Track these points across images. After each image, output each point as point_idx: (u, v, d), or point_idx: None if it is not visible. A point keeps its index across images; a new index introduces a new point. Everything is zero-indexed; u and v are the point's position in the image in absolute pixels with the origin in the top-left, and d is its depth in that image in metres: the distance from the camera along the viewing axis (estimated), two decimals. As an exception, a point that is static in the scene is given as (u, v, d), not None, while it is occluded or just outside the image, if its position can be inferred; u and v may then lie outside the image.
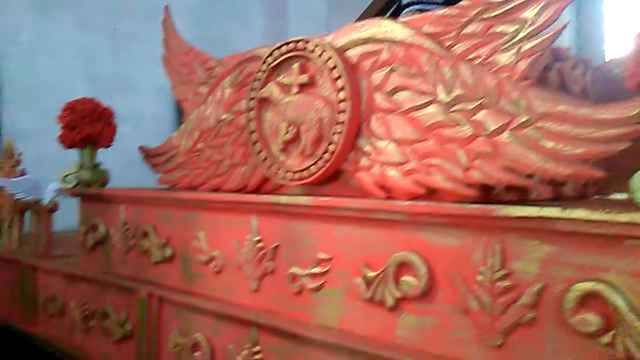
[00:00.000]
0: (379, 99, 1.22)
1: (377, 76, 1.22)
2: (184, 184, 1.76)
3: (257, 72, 1.48)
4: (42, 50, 4.32)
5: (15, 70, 4.18)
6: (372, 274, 1.15)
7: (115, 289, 1.79)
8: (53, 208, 2.29)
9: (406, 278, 1.10)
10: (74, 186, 2.02)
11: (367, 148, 1.24)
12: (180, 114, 5.27)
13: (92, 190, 1.98)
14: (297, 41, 1.38)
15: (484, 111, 1.05)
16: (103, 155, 2.17)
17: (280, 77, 1.43)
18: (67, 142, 2.04)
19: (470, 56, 1.10)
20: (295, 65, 1.39)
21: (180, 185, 1.77)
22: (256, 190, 1.51)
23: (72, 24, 4.50)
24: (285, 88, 1.42)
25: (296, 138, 1.38)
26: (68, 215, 2.36)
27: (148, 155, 1.93)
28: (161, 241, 1.66)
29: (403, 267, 1.11)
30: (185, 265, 1.60)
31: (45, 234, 2.30)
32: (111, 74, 4.65)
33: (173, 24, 2.02)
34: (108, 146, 2.11)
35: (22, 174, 2.48)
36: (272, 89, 1.45)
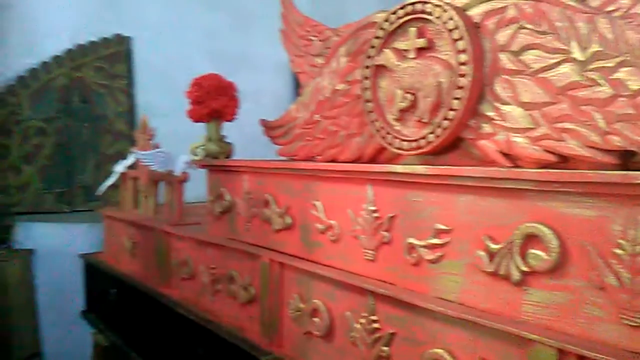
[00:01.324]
0: (505, 59, 1.14)
1: (503, 35, 1.14)
2: (302, 155, 1.79)
3: (373, 39, 1.45)
4: (170, 32, 4.59)
5: (147, 52, 4.48)
6: (495, 246, 1.09)
7: (240, 255, 1.88)
8: (184, 179, 2.46)
9: (534, 251, 1.03)
10: (202, 158, 2.15)
11: (491, 113, 1.17)
12: (297, 89, 5.37)
13: (218, 162, 2.09)
14: (415, 3, 1.32)
15: (625, 69, 0.93)
16: (226, 130, 2.28)
17: (397, 43, 1.38)
18: (195, 116, 2.16)
19: (609, 8, 0.99)
20: (413, 29, 1.33)
21: (298, 157, 1.80)
22: (372, 161, 1.49)
23: (198, 4, 4.73)
24: (402, 54, 1.37)
25: (413, 105, 1.34)
26: (198, 186, 2.53)
27: (268, 128, 1.99)
28: (281, 210, 1.72)
29: (531, 239, 1.03)
30: (304, 233, 1.64)
31: (177, 203, 2.48)
32: (233, 52, 4.83)
33: (289, -3, 2.04)
34: (231, 120, 2.21)
35: (156, 147, 2.67)
36: (387, 55, 1.41)
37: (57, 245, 3.71)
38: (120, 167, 2.98)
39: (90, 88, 4.21)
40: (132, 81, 4.38)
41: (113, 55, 4.30)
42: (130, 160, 2.94)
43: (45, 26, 4.07)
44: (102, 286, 2.91)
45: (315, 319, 1.52)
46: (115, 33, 4.31)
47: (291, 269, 1.63)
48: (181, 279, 2.28)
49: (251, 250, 1.81)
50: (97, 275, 3.02)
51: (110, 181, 3.02)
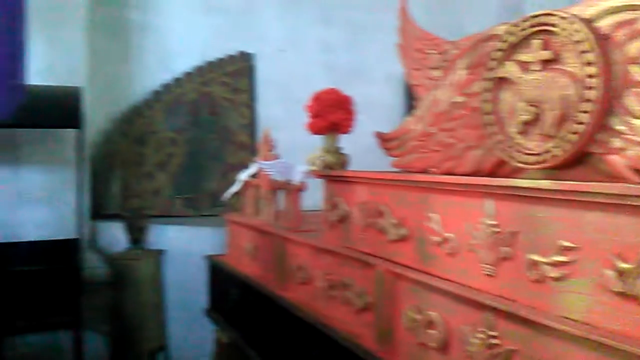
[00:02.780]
0: (636, 72, 1.09)
1: (634, 47, 1.09)
2: (417, 167, 1.82)
3: (494, 51, 1.44)
4: (289, 46, 4.82)
5: (267, 66, 4.74)
6: (625, 265, 1.04)
7: (355, 263, 1.94)
8: (301, 188, 2.57)
9: (671, 273, 0.97)
10: (319, 168, 2.25)
11: (621, 127, 1.12)
12: (409, 100, 5.37)
13: (334, 173, 2.17)
14: (539, 15, 1.31)
15: None
16: (341, 142, 2.36)
17: (520, 55, 1.37)
18: (314, 129, 2.27)
19: None
20: (537, 41, 1.32)
21: (413, 169, 1.82)
22: (491, 174, 1.48)
23: (315, 19, 4.92)
24: (525, 66, 1.36)
25: (536, 118, 1.32)
26: (314, 195, 2.64)
27: (383, 139, 2.03)
28: (396, 221, 1.75)
29: (667, 260, 0.98)
30: (419, 245, 1.66)
31: (294, 211, 2.60)
32: (347, 65, 4.95)
33: (408, 12, 2.08)
34: (348, 132, 2.29)
35: (276, 157, 2.82)
36: (510, 68, 1.40)
37: (185, 246, 4.02)
38: (243, 176, 3.18)
39: (217, 102, 4.53)
40: (254, 95, 4.65)
41: (237, 71, 4.60)
42: (252, 169, 3.13)
43: (178, 45, 4.46)
44: (225, 286, 3.12)
45: (431, 331, 1.53)
46: (239, 50, 4.61)
47: (406, 279, 1.66)
48: (298, 283, 2.38)
49: (366, 259, 1.86)
50: (220, 276, 3.24)
51: (235, 189, 3.23)
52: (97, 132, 4.17)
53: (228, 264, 3.19)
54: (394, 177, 1.79)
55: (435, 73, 1.93)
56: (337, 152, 2.27)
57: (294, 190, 2.60)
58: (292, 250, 2.46)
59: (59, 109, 3.39)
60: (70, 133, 3.93)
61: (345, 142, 2.39)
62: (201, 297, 3.76)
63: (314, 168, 2.29)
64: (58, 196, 3.88)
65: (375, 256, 1.85)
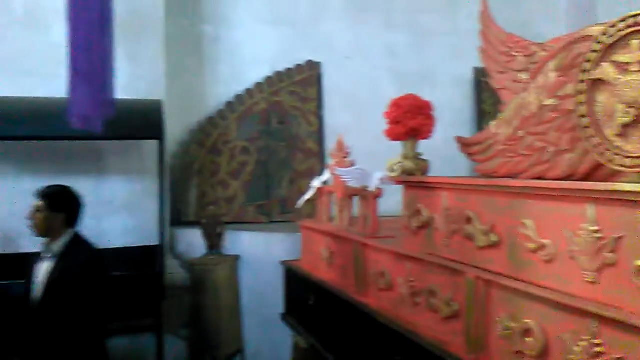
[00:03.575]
0: None
1: None
2: (503, 172, 1.79)
3: (589, 53, 1.41)
4: (355, 53, 4.85)
5: (334, 74, 4.80)
6: None
7: (440, 270, 1.93)
8: (378, 194, 2.58)
9: None
10: (399, 175, 2.25)
11: None
12: (479, 104, 5.27)
13: (415, 179, 2.17)
14: (637, 15, 1.27)
15: None
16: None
17: (617, 56, 1.33)
18: (393, 135, 2.28)
19: None
20: (636, 42, 1.28)
21: (499, 174, 1.80)
22: (585, 178, 1.44)
23: (379, 25, 4.94)
24: (623, 67, 1.32)
25: (637, 120, 1.28)
26: (389, 201, 2.65)
27: (464, 144, 2.01)
28: (486, 227, 1.73)
29: None
30: (511, 252, 1.63)
31: (371, 217, 2.61)
32: (414, 69, 4.94)
33: (491, 15, 2.06)
34: (427, 138, 2.29)
35: (352, 164, 2.85)
36: (606, 69, 1.36)
37: (258, 252, 4.11)
38: (316, 183, 3.23)
39: (286, 111, 4.62)
40: (321, 103, 4.72)
41: (305, 80, 4.68)
42: (325, 176, 3.17)
43: (249, 57, 4.59)
44: (301, 291, 3.17)
45: (528, 339, 1.50)
46: (307, 60, 4.69)
47: (499, 287, 1.64)
48: (378, 289, 2.39)
49: (453, 266, 1.85)
50: (296, 281, 3.29)
51: (308, 195, 3.28)
52: (175, 142, 4.35)
53: (303, 269, 3.23)
54: (483, 183, 1.77)
55: (522, 76, 1.89)
56: (416, 158, 2.27)
57: (371, 197, 2.61)
58: (371, 256, 2.47)
59: (141, 122, 3.55)
60: (150, 144, 4.12)
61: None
62: (275, 301, 3.83)
63: (392, 174, 2.29)
64: (140, 205, 4.06)
65: (462, 263, 1.84)
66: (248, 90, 4.57)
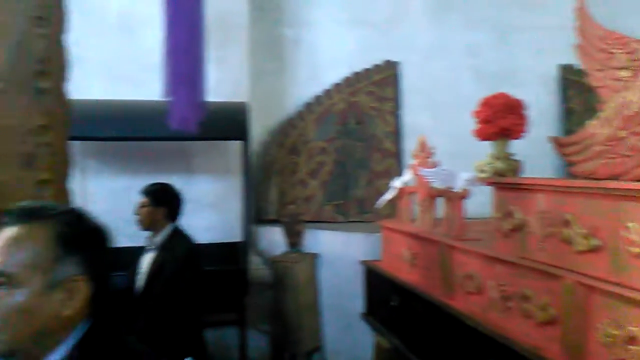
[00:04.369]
0: None
1: None
2: (602, 173, 1.72)
3: None
4: (434, 53, 4.80)
5: (412, 74, 4.76)
6: None
7: (535, 274, 1.88)
8: (464, 195, 2.55)
9: None
10: (489, 175, 2.21)
11: None
12: (565, 102, 5.06)
13: (507, 180, 2.13)
14: None
15: None
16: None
17: None
18: (483, 135, 2.24)
19: None
20: None
21: (598, 175, 1.73)
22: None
23: (460, 24, 4.86)
24: None
25: None
26: (469, 203, 2.61)
27: (560, 144, 1.95)
28: (585, 231, 1.67)
29: None
30: (613, 256, 1.57)
31: (457, 218, 2.58)
32: (496, 68, 4.81)
33: (587, 11, 1.98)
34: (519, 137, 2.23)
35: (435, 165, 2.83)
36: None
37: (337, 251, 4.16)
38: (397, 183, 3.22)
39: (364, 111, 4.64)
40: (399, 103, 4.70)
41: (383, 80, 4.68)
42: (407, 176, 3.16)
43: (328, 58, 4.65)
44: (382, 292, 3.18)
45: (632, 347, 1.44)
46: (385, 59, 4.69)
47: (600, 292, 1.58)
48: (466, 292, 2.36)
49: (549, 271, 1.80)
50: (376, 281, 3.31)
51: (389, 195, 3.29)
52: (256, 143, 4.48)
53: (384, 269, 3.24)
54: (583, 185, 1.71)
55: (623, 74, 1.81)
56: (508, 158, 2.22)
57: (457, 198, 2.59)
58: (458, 258, 2.44)
59: (227, 123, 3.69)
60: (234, 145, 4.27)
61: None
62: (354, 300, 3.86)
63: (482, 175, 2.26)
64: (224, 203, 4.22)
65: (558, 267, 1.79)
66: (326, 91, 4.64)
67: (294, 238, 4.13)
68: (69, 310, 0.93)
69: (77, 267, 0.94)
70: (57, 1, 1.79)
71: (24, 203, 0.99)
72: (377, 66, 4.69)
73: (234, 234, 4.11)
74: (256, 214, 4.43)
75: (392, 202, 3.37)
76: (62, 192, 1.79)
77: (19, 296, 0.90)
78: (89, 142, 3.91)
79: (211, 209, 4.18)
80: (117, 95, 3.87)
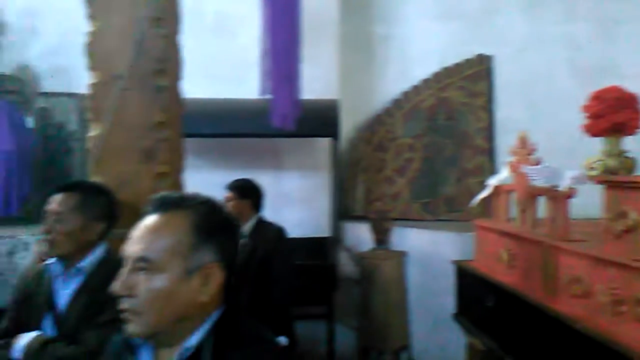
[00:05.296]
0: None
1: None
2: None
3: None
4: (530, 47, 4.60)
5: (506, 67, 4.60)
6: None
7: (654, 278, 1.76)
8: (570, 194, 2.43)
9: None
10: (600, 174, 2.10)
11: None
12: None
13: (622, 178, 2.01)
14: None
15: None
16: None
17: None
18: (593, 131, 2.13)
19: None
20: None
21: None
22: None
23: (558, 16, 4.63)
24: None
25: None
26: (578, 203, 2.48)
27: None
28: None
29: None
30: None
31: (562, 219, 2.46)
32: (596, 62, 4.55)
33: None
34: (633, 133, 2.10)
35: (538, 162, 2.72)
36: None
37: (425, 249, 4.11)
38: (493, 181, 3.13)
39: (454, 106, 4.55)
40: (491, 98, 4.56)
41: (475, 75, 4.55)
42: (504, 174, 3.06)
43: (417, 53, 4.59)
44: (475, 292, 3.10)
45: None
46: (477, 53, 4.56)
47: None
48: (571, 295, 2.25)
49: (672, 275, 1.68)
50: (469, 281, 3.23)
51: (484, 194, 3.19)
52: (343, 140, 4.51)
53: (478, 269, 3.16)
54: None
55: None
56: (621, 155, 2.10)
57: (562, 197, 2.47)
58: (563, 260, 2.33)
59: (318, 120, 3.74)
60: (322, 142, 4.33)
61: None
62: (443, 300, 3.80)
63: (592, 173, 2.14)
64: (312, 198, 4.29)
65: (683, 272, 1.66)
66: (415, 87, 4.58)
67: (381, 235, 4.13)
68: (204, 296, 0.98)
69: (212, 255, 0.99)
70: (173, 2, 1.89)
71: (163, 194, 1.05)
72: (468, 60, 4.57)
73: (322, 230, 4.17)
74: (343, 210, 4.46)
75: (485, 201, 3.28)
76: (177, 185, 1.90)
77: (159, 281, 0.96)
78: (188, 139, 4.09)
79: (299, 205, 4.26)
80: (212, 94, 4.03)
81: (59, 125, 4.46)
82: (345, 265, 4.23)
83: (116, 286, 0.96)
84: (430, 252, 4.10)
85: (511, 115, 4.44)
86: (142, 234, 0.98)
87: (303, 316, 3.94)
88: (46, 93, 4.52)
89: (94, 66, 1.86)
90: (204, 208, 1.03)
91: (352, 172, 4.58)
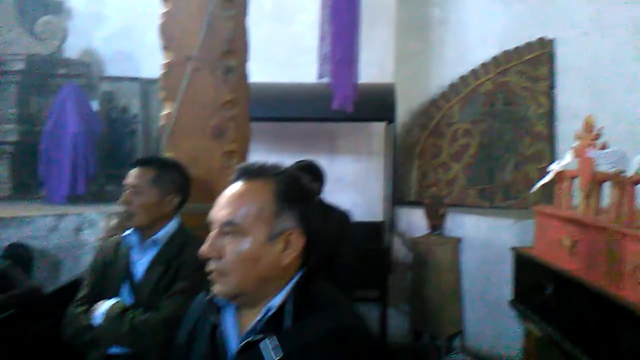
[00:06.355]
0: None
1: None
2: None
3: None
4: (595, 30, 4.42)
5: (569, 52, 4.44)
6: None
7: None
8: (637, 180, 2.35)
9: None
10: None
11: None
12: None
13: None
14: None
15: None
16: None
17: None
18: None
19: None
20: None
21: None
22: None
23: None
24: None
25: None
26: None
27: None
28: None
29: None
30: None
31: (628, 205, 2.39)
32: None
33: None
34: None
35: (603, 147, 2.64)
36: None
37: (481, 236, 4.06)
38: (556, 166, 3.06)
39: (513, 91, 4.44)
40: (553, 83, 4.42)
41: (536, 59, 4.43)
42: (567, 159, 2.98)
43: (475, 37, 4.50)
44: (535, 279, 3.05)
45: None
46: (538, 37, 4.43)
47: None
48: (637, 283, 2.19)
49: None
50: (529, 269, 3.18)
51: (545, 180, 3.13)
52: (398, 125, 4.48)
53: (537, 256, 3.11)
54: None
55: None
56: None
57: (629, 183, 2.39)
58: (630, 247, 2.27)
59: (374, 104, 3.74)
60: (376, 127, 4.32)
61: None
62: (498, 287, 3.76)
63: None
64: (365, 183, 4.30)
65: None
66: (473, 71, 4.49)
67: (435, 221, 4.11)
68: (286, 260, 1.03)
69: (293, 222, 1.04)
70: (241, -16, 1.93)
71: (247, 163, 1.10)
72: (529, 44, 4.43)
73: (375, 214, 4.18)
74: (397, 195, 4.46)
75: (544, 188, 3.21)
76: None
77: (244, 244, 1.01)
78: (244, 122, 4.18)
79: (353, 189, 4.27)
80: (269, 78, 4.09)
81: (122, 108, 4.63)
82: (399, 250, 4.23)
83: (204, 248, 1.02)
84: (486, 239, 4.05)
85: (573, 100, 4.29)
86: (228, 200, 1.04)
87: (357, 299, 3.97)
88: (110, 77, 4.69)
89: (166, 46, 1.93)
90: (285, 177, 1.07)
91: (406, 157, 4.55)
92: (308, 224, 1.06)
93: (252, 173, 1.06)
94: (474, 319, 4.03)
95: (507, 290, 3.48)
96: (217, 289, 1.03)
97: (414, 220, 4.36)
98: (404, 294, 4.16)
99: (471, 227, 4.16)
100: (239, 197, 1.04)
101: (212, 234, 1.03)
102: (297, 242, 1.04)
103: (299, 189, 1.08)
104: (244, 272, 1.01)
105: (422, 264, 3.97)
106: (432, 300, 3.91)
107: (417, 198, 4.44)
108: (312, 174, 3.01)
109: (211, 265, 1.03)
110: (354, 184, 4.31)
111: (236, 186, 1.06)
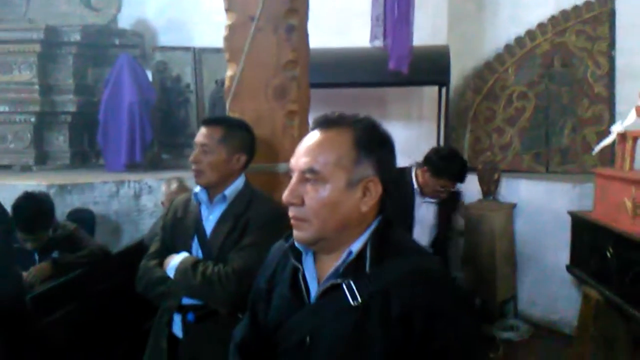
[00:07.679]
0: None
1: None
2: None
3: None
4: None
5: (631, 10, 4.20)
6: None
7: None
8: None
9: None
10: None
11: None
12: None
13: None
14: None
15: None
16: None
17: None
18: None
19: None
20: None
21: None
22: None
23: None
24: None
25: None
26: None
27: None
28: None
29: None
30: None
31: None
32: None
33: None
34: None
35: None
36: None
37: (536, 201, 3.97)
38: (618, 127, 2.96)
39: (571, 52, 4.28)
40: (613, 43, 4.24)
41: (595, 18, 4.25)
42: (630, 119, 2.88)
43: (532, -4, 4.34)
44: (593, 243, 2.99)
45: None
46: (601, -6, 4.23)
47: None
48: None
49: None
50: (587, 233, 3.11)
51: (607, 141, 3.04)
52: (451, 88, 4.41)
53: (597, 220, 3.04)
54: None
55: None
56: None
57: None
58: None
59: (428, 68, 3.68)
60: (428, 91, 4.26)
61: None
62: (553, 252, 3.71)
63: None
64: (417, 149, 4.26)
65: None
66: (529, 32, 4.35)
67: (489, 186, 4.05)
68: (365, 207, 1.05)
69: (372, 170, 1.06)
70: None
71: (325, 114, 1.12)
72: (588, 2, 4.24)
73: (429, 180, 4.14)
74: (450, 160, 4.41)
75: (603, 151, 3.12)
76: (305, 124, 1.98)
77: (324, 191, 1.03)
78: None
79: (405, 155, 4.23)
80: (318, 44, 4.07)
81: (175, 77, 4.72)
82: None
83: (286, 195, 1.05)
84: (540, 204, 3.97)
85: (634, 61, 4.11)
86: (309, 148, 1.06)
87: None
88: (164, 47, 4.78)
89: (229, 8, 1.95)
90: (365, 125, 1.09)
91: (459, 122, 4.49)
92: (385, 172, 1.07)
93: (331, 122, 1.08)
94: (528, 285, 3.99)
95: (562, 256, 3.42)
96: (297, 235, 1.07)
97: (467, 186, 4.29)
98: (457, 260, 4.14)
99: (526, 193, 4.08)
100: (319, 145, 1.06)
101: (293, 181, 1.06)
102: (376, 189, 1.06)
103: (377, 137, 1.10)
104: (324, 218, 1.04)
105: (475, 229, 3.93)
106: (485, 265, 3.88)
107: (470, 163, 4.37)
108: None
109: (291, 212, 1.06)
110: (405, 150, 4.25)
111: (315, 135, 1.08)
